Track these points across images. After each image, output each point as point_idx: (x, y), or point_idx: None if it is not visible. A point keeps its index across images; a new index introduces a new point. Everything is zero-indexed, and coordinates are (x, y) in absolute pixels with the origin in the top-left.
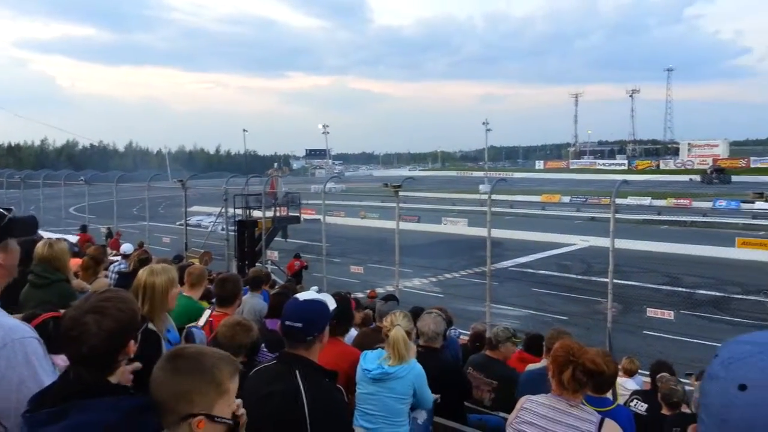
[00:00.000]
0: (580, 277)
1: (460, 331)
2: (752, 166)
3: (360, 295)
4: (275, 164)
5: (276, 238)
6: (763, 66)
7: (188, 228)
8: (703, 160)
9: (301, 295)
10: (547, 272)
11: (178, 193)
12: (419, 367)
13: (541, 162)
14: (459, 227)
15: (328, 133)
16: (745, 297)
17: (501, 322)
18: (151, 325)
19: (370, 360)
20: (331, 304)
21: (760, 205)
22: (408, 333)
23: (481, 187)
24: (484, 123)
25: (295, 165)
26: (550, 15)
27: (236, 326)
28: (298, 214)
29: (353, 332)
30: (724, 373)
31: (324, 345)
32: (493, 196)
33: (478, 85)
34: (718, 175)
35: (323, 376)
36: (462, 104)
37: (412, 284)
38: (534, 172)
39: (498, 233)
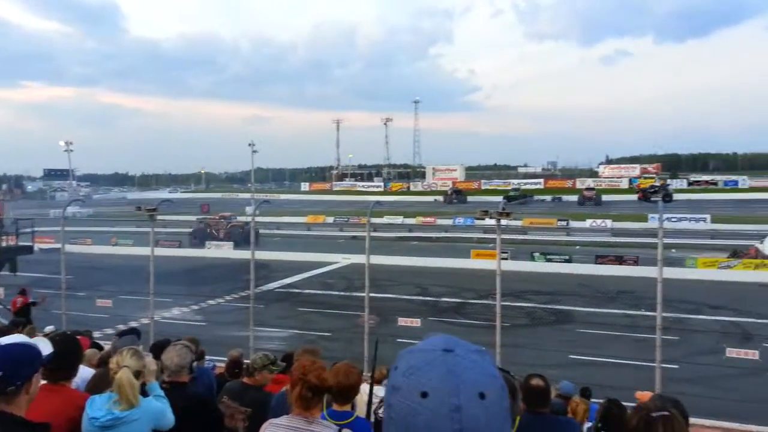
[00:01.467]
0: (342, 293)
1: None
2: (483, 188)
3: (110, 331)
4: (2, 186)
5: (2, 272)
6: (489, 102)
7: None
8: (444, 183)
9: (4, 339)
10: (312, 291)
11: None
12: (155, 405)
13: (307, 184)
14: (224, 251)
15: (71, 150)
16: (478, 301)
17: (266, 346)
18: None
19: (98, 406)
20: (45, 348)
21: (489, 221)
22: (138, 372)
23: (247, 209)
24: (250, 144)
25: (31, 187)
26: (312, 42)
27: None
28: (30, 244)
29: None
30: (405, 383)
31: (33, 395)
32: (260, 218)
33: (244, 106)
34: (456, 196)
35: (27, 431)
36: (228, 125)
37: (171, 314)
38: (300, 194)
39: (265, 255)
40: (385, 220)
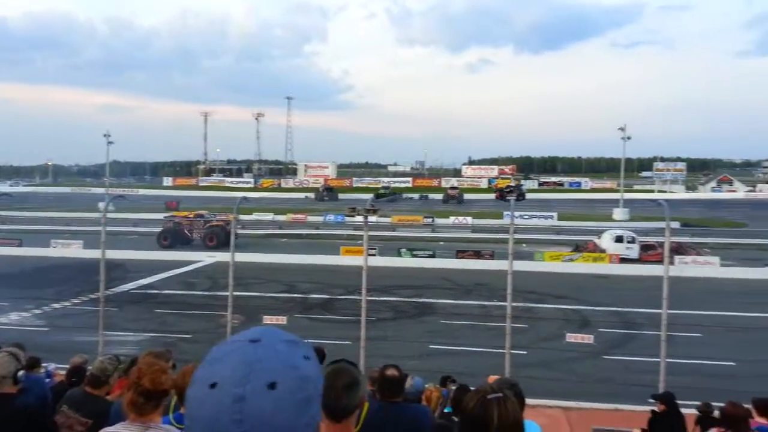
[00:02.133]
0: (205, 293)
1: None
2: (354, 185)
3: None
4: None
5: None
6: (362, 102)
7: None
8: (316, 180)
9: None
10: (172, 291)
11: None
12: None
13: (170, 179)
14: (73, 250)
15: None
16: (346, 297)
17: (117, 351)
18: None
19: None
20: None
21: (359, 218)
22: None
23: (100, 204)
24: (105, 135)
25: None
26: (179, 30)
27: None
28: None
29: None
30: (200, 374)
31: None
32: (115, 215)
33: (99, 93)
34: (328, 193)
35: None
36: (80, 113)
37: (9, 320)
38: (162, 189)
39: (118, 254)
40: (254, 217)
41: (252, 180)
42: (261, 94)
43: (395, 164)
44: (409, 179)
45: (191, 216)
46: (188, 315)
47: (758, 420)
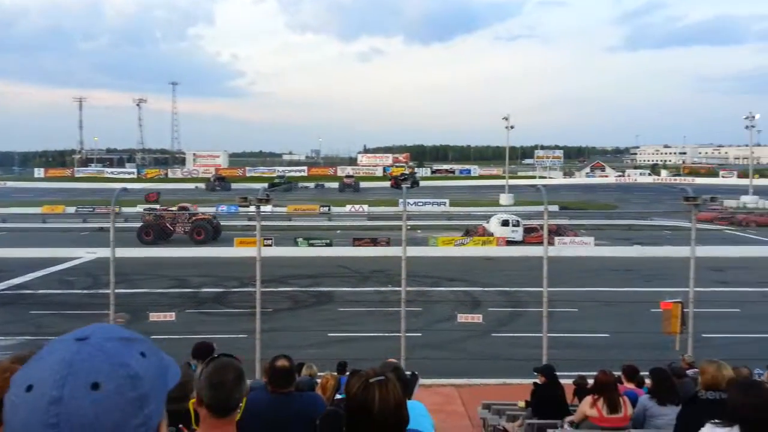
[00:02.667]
0: (85, 291)
1: None
2: (248, 175)
3: None
4: None
5: None
6: (254, 89)
7: None
8: (207, 170)
9: None
10: (48, 291)
11: None
12: None
13: (42, 170)
14: None
15: None
16: (241, 289)
17: None
18: None
19: None
20: None
21: (252, 209)
22: None
23: None
24: None
25: None
26: (49, 8)
27: None
28: None
29: None
30: (18, 375)
31: None
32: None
33: None
34: (219, 183)
35: None
36: None
37: None
38: (33, 181)
39: None
40: (139, 209)
41: (135, 170)
42: (143, 79)
43: (290, 153)
44: (305, 168)
45: (175, 209)
46: (67, 316)
47: (627, 385)
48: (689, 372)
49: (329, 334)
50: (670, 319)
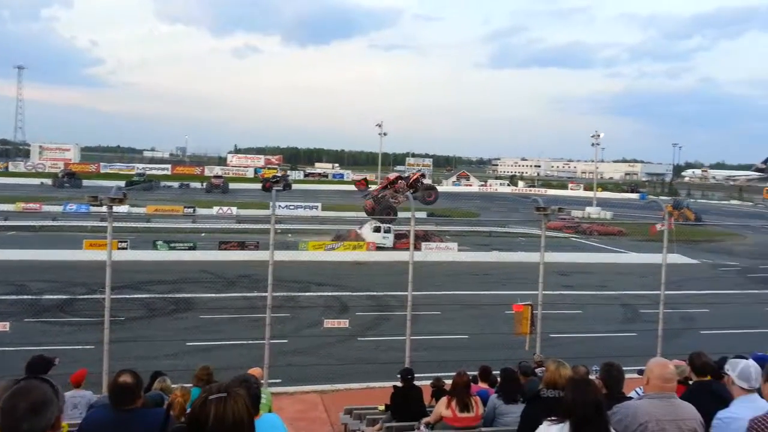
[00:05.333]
0: None
1: None
2: (102, 171)
3: None
4: None
5: None
6: (114, 79)
7: None
8: (55, 164)
9: None
10: None
11: None
12: None
13: None
14: None
15: None
16: (89, 297)
17: None
18: None
19: None
20: None
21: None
22: None
23: None
24: None
25: None
26: None
27: None
28: None
29: None
30: None
31: None
32: None
33: None
34: (69, 179)
35: None
36: None
37: None
38: None
39: None
40: None
41: None
42: None
43: (153, 150)
44: (168, 166)
45: None
46: None
47: (481, 385)
48: (538, 371)
49: (188, 344)
50: (521, 320)
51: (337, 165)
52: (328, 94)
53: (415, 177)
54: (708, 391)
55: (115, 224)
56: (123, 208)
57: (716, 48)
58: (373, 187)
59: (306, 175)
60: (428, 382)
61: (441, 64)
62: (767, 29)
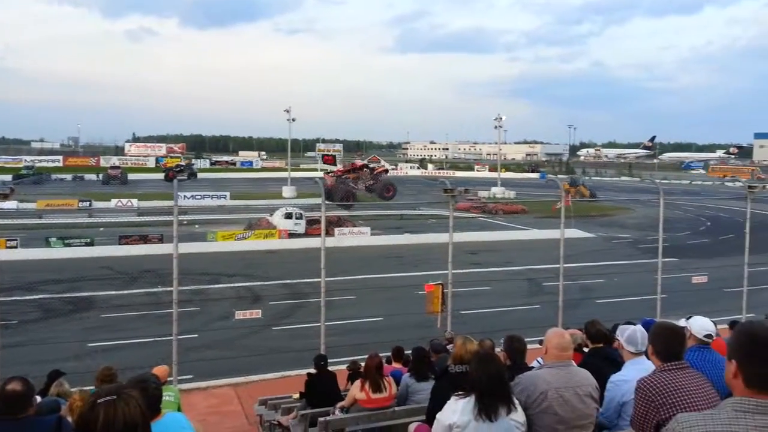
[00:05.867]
0: None
1: None
2: None
3: None
4: None
5: None
6: None
7: None
8: None
9: None
10: None
11: None
12: None
13: None
14: None
15: None
16: None
17: None
18: None
19: None
20: None
21: None
22: None
23: None
24: None
25: None
26: None
27: None
28: None
29: None
30: None
31: None
32: None
33: None
34: None
35: None
36: None
37: None
38: None
39: None
40: None
41: None
42: None
43: (42, 140)
44: (60, 158)
45: None
46: None
47: (394, 365)
48: (449, 347)
49: (90, 345)
50: (433, 299)
51: (264, 153)
52: (233, 79)
53: (380, 170)
54: (602, 356)
55: (2, 221)
56: (10, 204)
57: (605, 34)
58: (336, 167)
59: (213, 164)
60: (345, 366)
61: (347, 49)
62: (651, 15)
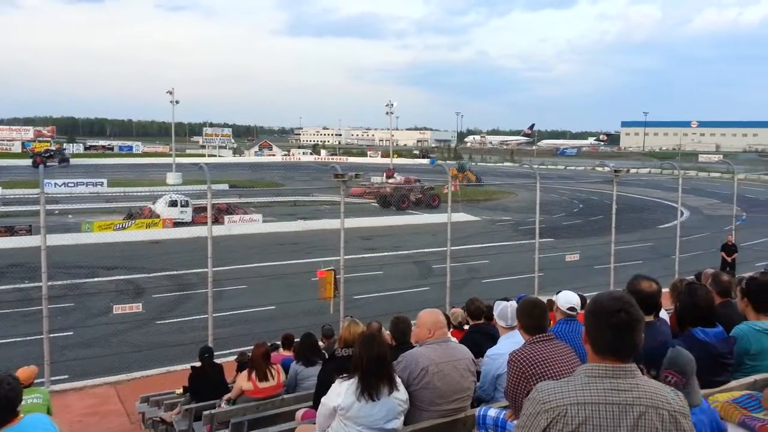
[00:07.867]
0: None
1: None
2: None
3: None
4: None
5: None
6: None
7: None
8: None
9: None
10: None
11: None
12: None
13: None
14: None
15: None
16: None
17: None
18: None
19: None
20: None
21: None
22: None
23: None
24: None
25: None
26: None
27: None
28: None
29: None
30: None
31: None
32: None
33: None
34: None
35: None
36: None
37: None
38: None
39: None
40: None
41: None
42: None
43: None
44: None
45: None
46: None
47: (284, 353)
48: None
49: None
50: (325, 285)
51: (138, 143)
52: (110, 58)
53: (427, 187)
54: (482, 332)
55: None
56: None
57: (488, 24)
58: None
59: (87, 148)
60: (234, 358)
61: (236, 29)
62: (529, 9)
